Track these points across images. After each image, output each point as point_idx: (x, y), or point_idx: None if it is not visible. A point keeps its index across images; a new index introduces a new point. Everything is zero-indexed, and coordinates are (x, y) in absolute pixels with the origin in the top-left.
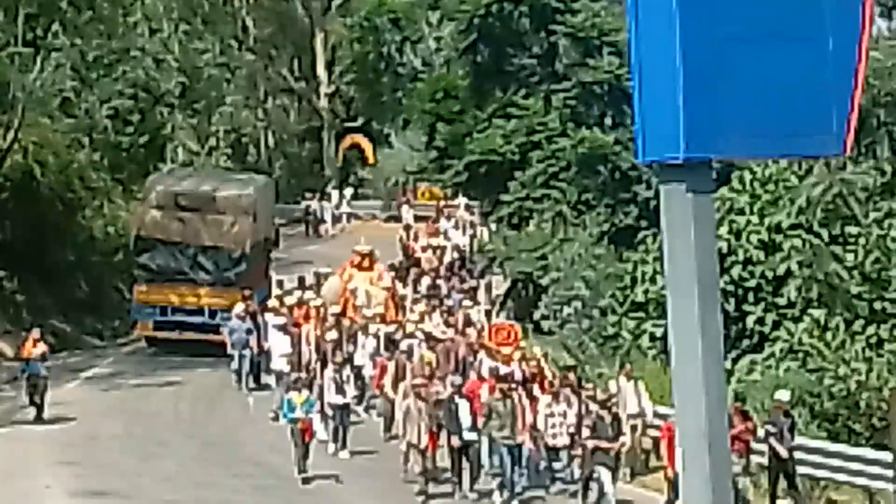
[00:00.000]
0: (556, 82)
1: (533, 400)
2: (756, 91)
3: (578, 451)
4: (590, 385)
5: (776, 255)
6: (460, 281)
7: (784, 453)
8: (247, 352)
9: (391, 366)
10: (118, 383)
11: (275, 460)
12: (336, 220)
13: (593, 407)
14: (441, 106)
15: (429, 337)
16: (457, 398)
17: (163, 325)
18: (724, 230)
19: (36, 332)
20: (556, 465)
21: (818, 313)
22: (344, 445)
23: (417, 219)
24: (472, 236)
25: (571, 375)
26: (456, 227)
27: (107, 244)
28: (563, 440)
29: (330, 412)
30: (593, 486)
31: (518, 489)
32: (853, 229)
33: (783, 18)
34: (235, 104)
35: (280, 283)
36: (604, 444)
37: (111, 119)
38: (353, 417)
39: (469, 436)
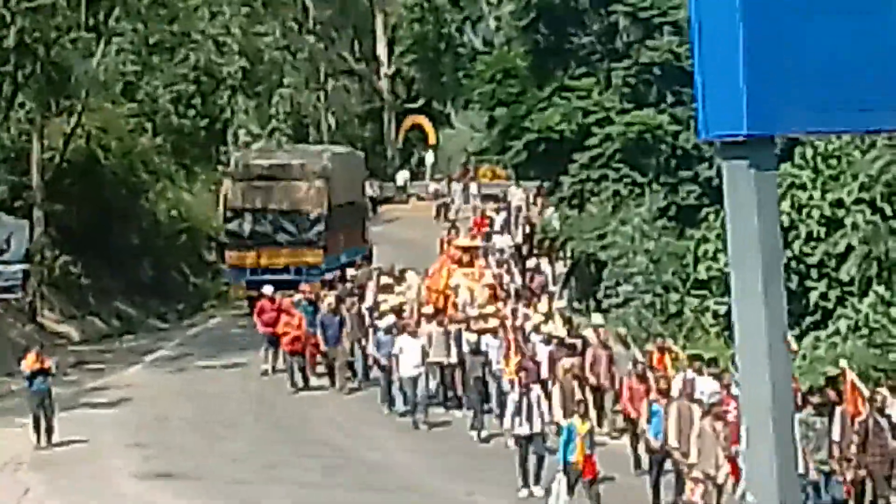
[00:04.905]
0: (616, 61)
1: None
2: (818, 66)
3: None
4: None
5: (838, 232)
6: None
7: None
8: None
9: (635, 384)
10: (183, 365)
11: (343, 440)
12: (465, 201)
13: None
14: (501, 86)
15: (562, 341)
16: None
17: (254, 285)
18: (786, 205)
19: (37, 347)
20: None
21: (882, 289)
22: (537, 481)
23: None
24: (530, 226)
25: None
26: (502, 229)
27: (170, 227)
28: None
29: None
30: None
31: None
32: None
33: None
34: (296, 86)
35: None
36: None
37: (173, 103)
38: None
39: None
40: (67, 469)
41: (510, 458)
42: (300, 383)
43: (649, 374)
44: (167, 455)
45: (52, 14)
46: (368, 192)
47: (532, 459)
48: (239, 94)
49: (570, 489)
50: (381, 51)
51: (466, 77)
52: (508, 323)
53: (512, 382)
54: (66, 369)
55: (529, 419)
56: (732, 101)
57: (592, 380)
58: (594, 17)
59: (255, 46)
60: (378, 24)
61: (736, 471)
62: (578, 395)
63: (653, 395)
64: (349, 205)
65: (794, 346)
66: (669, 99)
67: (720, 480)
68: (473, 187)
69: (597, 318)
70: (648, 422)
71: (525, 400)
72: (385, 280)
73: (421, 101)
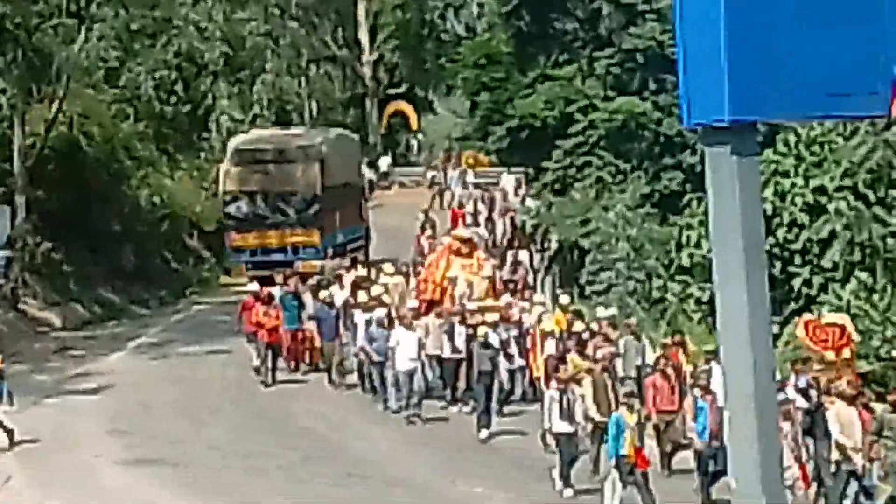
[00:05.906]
0: (599, 48)
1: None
2: (800, 52)
3: None
4: None
5: (820, 218)
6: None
7: None
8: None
9: (659, 380)
10: (166, 352)
11: (325, 429)
12: (464, 188)
13: None
14: (484, 72)
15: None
16: None
17: (255, 265)
18: (769, 192)
19: None
20: None
21: (864, 275)
22: (568, 483)
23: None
24: (511, 217)
25: None
26: (478, 220)
27: (152, 214)
28: None
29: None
30: None
31: None
32: None
33: None
34: (278, 72)
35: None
36: None
37: (155, 89)
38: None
39: None
40: (49, 456)
41: (497, 449)
42: (270, 380)
43: (670, 371)
44: (150, 442)
45: (33, 0)
46: (367, 174)
47: (566, 459)
48: (221, 80)
49: (624, 483)
50: (364, 37)
51: (449, 62)
52: (518, 317)
53: (539, 379)
54: (49, 356)
55: (570, 417)
56: (715, 87)
57: None
58: (577, 3)
59: (237, 32)
60: (360, 10)
61: (806, 477)
62: (611, 387)
63: (697, 392)
64: (345, 185)
65: (856, 336)
66: (652, 86)
67: (788, 482)
68: (470, 175)
69: (603, 311)
70: (694, 419)
71: (565, 397)
72: (361, 272)
73: (403, 87)
